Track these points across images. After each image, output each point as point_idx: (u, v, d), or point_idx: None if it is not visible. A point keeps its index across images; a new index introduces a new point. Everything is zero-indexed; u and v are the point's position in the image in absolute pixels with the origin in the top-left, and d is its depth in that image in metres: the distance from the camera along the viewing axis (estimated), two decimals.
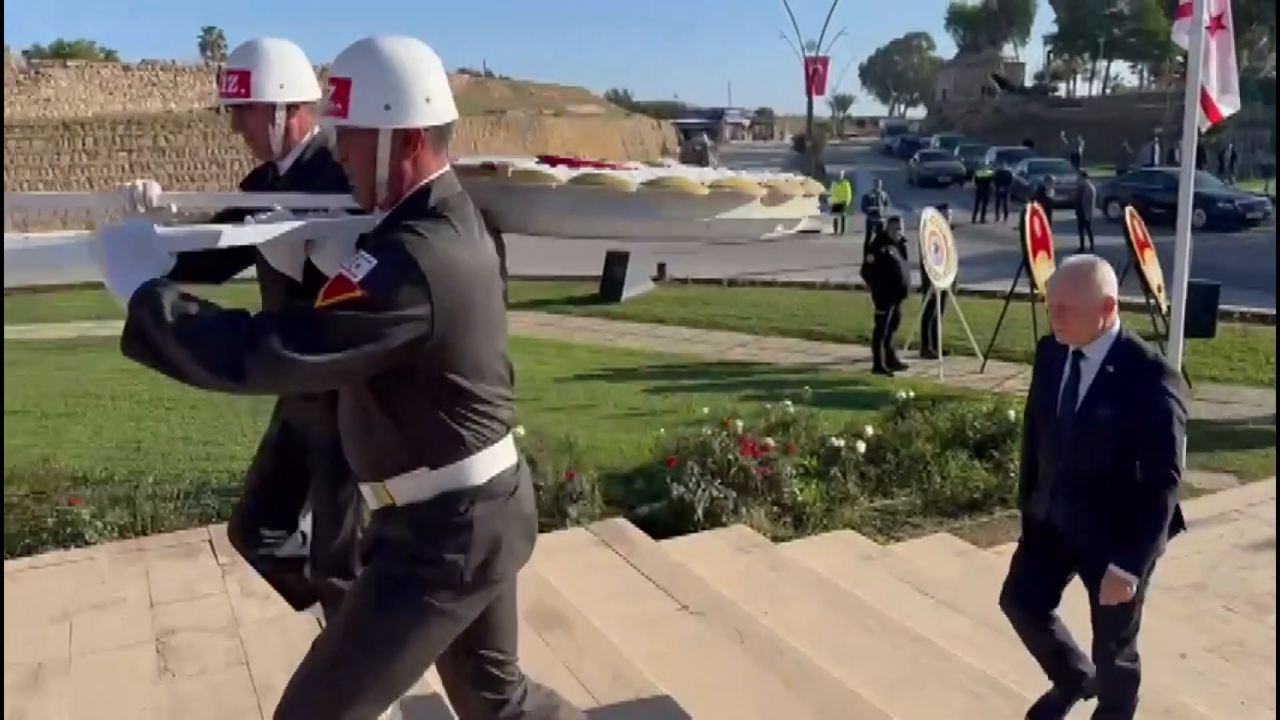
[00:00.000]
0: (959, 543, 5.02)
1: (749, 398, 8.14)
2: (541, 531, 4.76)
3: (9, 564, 3.93)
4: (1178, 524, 2.87)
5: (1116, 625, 2.83)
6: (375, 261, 1.71)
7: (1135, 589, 2.74)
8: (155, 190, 2.42)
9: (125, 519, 4.65)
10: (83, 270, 1.77)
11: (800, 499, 5.36)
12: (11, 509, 4.71)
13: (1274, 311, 11.30)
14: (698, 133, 61.55)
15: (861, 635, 3.55)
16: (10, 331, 13.05)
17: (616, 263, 14.92)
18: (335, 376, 1.77)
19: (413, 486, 1.90)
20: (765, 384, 8.98)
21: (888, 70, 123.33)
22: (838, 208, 24.32)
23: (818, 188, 2.77)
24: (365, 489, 1.98)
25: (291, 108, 2.41)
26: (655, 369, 10.20)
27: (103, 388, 8.90)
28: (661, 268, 16.32)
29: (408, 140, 1.84)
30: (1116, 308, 2.81)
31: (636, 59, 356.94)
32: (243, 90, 2.34)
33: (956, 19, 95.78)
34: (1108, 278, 2.79)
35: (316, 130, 2.49)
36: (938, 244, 10.20)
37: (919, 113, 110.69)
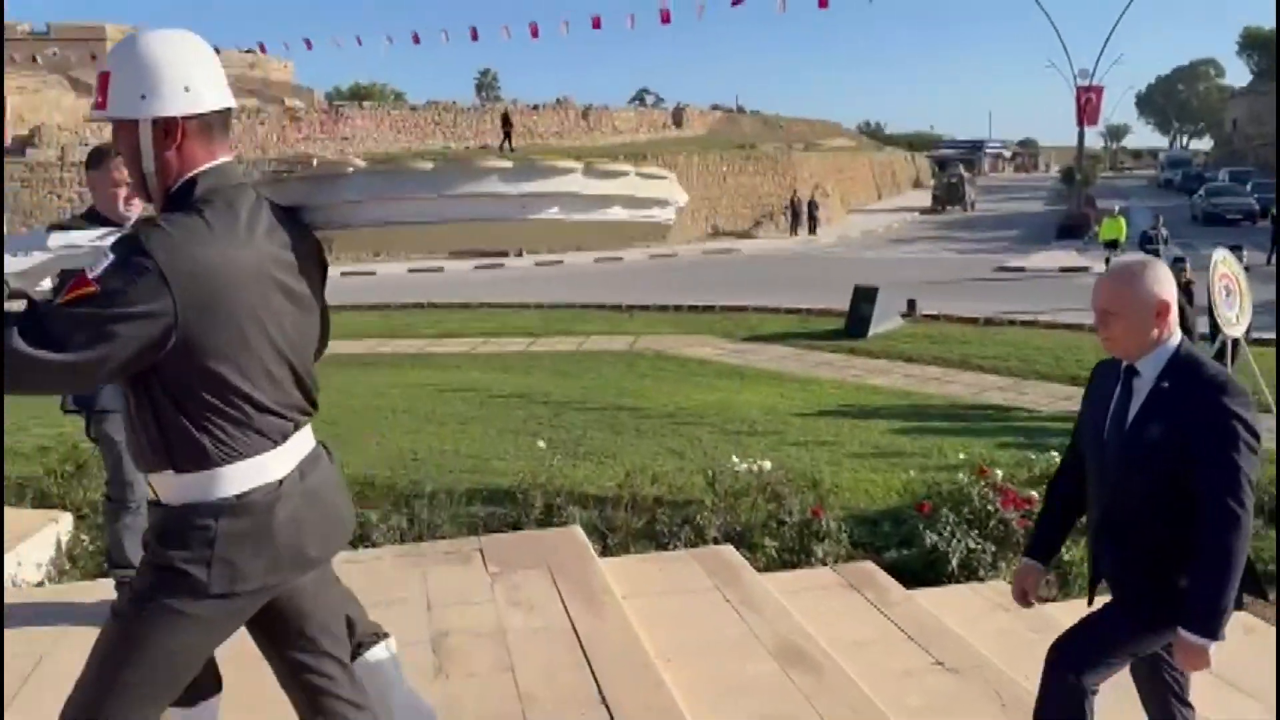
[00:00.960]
0: (1247, 618, 4.51)
1: (1007, 445, 7.73)
2: (786, 568, 4.82)
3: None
4: (1253, 585, 2.41)
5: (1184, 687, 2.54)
6: (112, 258, 1.71)
7: (1214, 655, 2.31)
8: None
9: (404, 524, 5.08)
10: None
11: (1065, 558, 5.02)
12: None
13: None
14: (953, 164, 59.29)
15: (1135, 710, 3.27)
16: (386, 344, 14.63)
17: (864, 298, 14.66)
18: (84, 374, 1.72)
19: (164, 487, 1.89)
20: (1026, 431, 8.49)
21: (1169, 99, 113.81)
22: (1110, 244, 22.67)
23: (666, 175, 2.41)
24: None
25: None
26: (903, 408, 9.90)
27: (385, 401, 9.77)
28: (912, 304, 15.85)
29: (168, 130, 1.84)
30: (1175, 317, 2.44)
31: (889, 91, 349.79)
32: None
33: (1251, 44, 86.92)
34: (1160, 278, 2.42)
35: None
36: (1230, 287, 9.27)
37: (1203, 144, 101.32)
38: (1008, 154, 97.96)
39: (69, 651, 3.44)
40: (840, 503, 5.84)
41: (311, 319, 2.05)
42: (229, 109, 1.94)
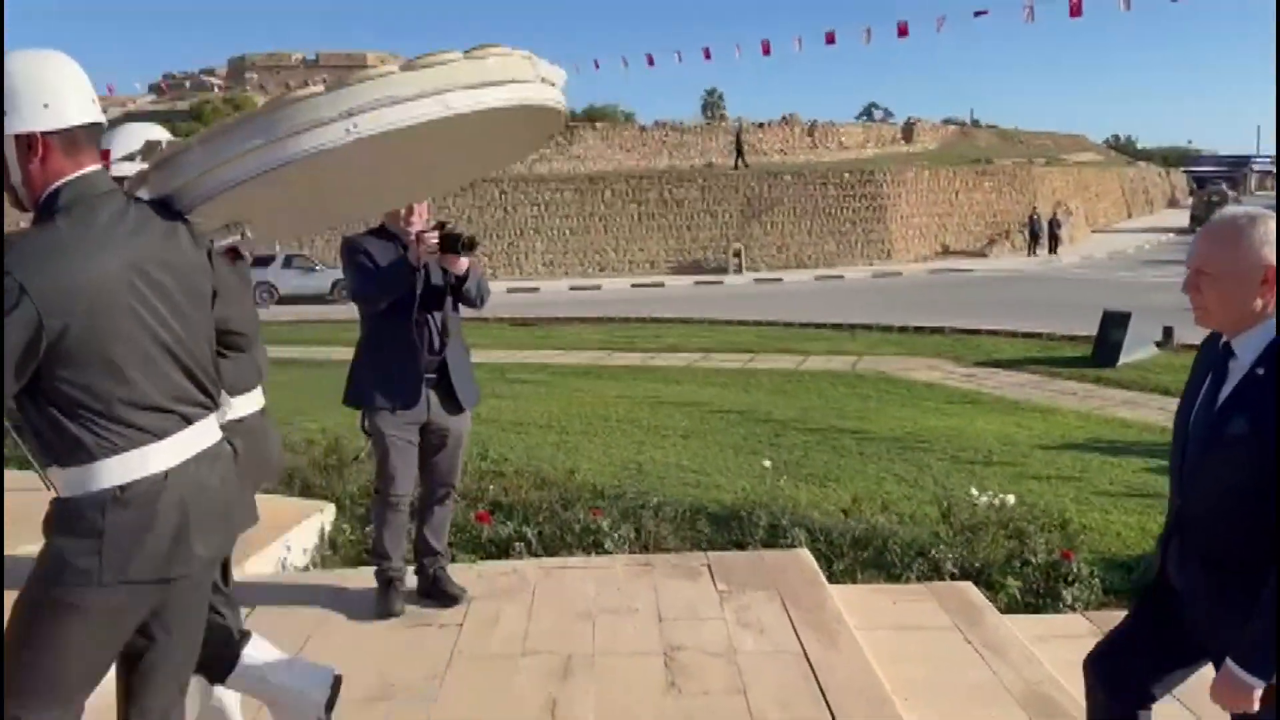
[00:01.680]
0: None
1: None
2: (1031, 610, 4.50)
3: (546, 560, 4.55)
4: None
5: None
6: None
7: (1260, 699, 1.91)
8: None
9: (632, 535, 5.17)
10: None
11: None
12: (541, 511, 5.45)
13: None
14: (1214, 181, 54.28)
15: None
16: (539, 356, 15.28)
17: (1114, 323, 13.61)
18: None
19: (57, 480, 1.92)
20: None
21: None
22: None
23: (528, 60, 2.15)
24: None
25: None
26: (1158, 446, 9.06)
27: (610, 411, 10.01)
28: (1168, 331, 14.56)
29: (30, 145, 1.89)
30: None
31: (1142, 102, 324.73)
32: None
33: None
34: (1271, 238, 1.95)
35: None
36: None
37: None
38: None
39: (332, 634, 3.72)
40: (1089, 545, 5.41)
41: (199, 313, 2.09)
42: (96, 123, 2.01)
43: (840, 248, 35.54)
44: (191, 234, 2.09)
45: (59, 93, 1.93)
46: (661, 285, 30.99)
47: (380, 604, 3.88)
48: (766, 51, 28.66)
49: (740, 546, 5.02)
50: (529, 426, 9.12)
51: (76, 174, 1.95)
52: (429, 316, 3.80)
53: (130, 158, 2.82)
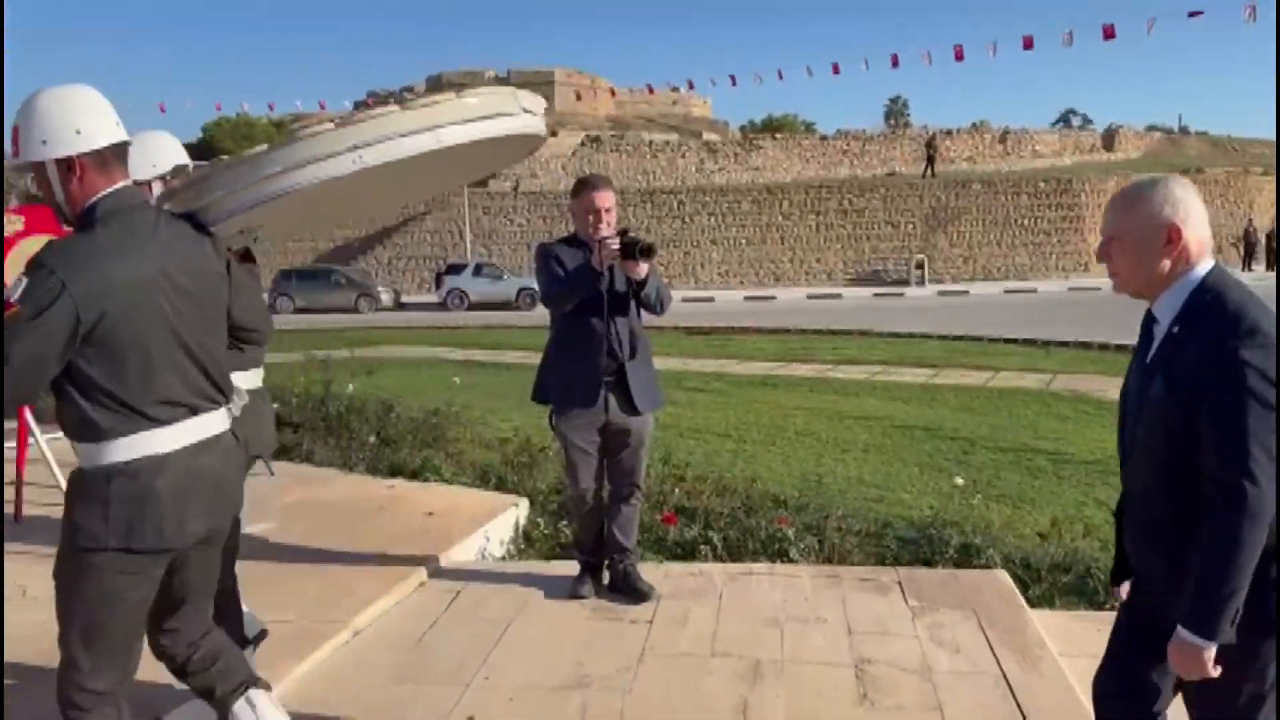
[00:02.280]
0: None
1: None
2: None
3: (732, 565, 4.59)
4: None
5: None
6: (26, 281, 2.08)
7: (1212, 659, 1.86)
8: None
9: (816, 546, 5.13)
10: None
11: None
12: (723, 517, 5.49)
13: None
14: None
15: None
16: (714, 364, 15.36)
17: None
18: (32, 376, 2.09)
19: (77, 453, 2.22)
20: None
21: None
22: None
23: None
24: None
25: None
26: None
27: (789, 423, 9.95)
28: None
29: (69, 167, 2.20)
30: (1203, 248, 1.99)
31: None
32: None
33: None
34: (1174, 198, 1.98)
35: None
36: None
37: None
38: None
39: (530, 621, 3.90)
40: None
41: (215, 314, 2.38)
42: (124, 142, 2.28)
43: (1033, 259, 33.96)
44: (215, 246, 2.41)
45: (88, 120, 2.22)
46: (839, 296, 30.51)
47: (571, 587, 4.16)
48: (959, 57, 27.78)
49: (929, 564, 4.90)
50: (707, 434, 9.19)
51: (110, 189, 2.24)
52: (612, 320, 3.96)
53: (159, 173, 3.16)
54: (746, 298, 30.57)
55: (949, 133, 45.49)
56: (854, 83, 61.84)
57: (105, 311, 2.11)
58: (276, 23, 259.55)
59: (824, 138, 45.72)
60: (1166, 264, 2.00)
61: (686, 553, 4.91)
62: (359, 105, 66.07)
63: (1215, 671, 1.88)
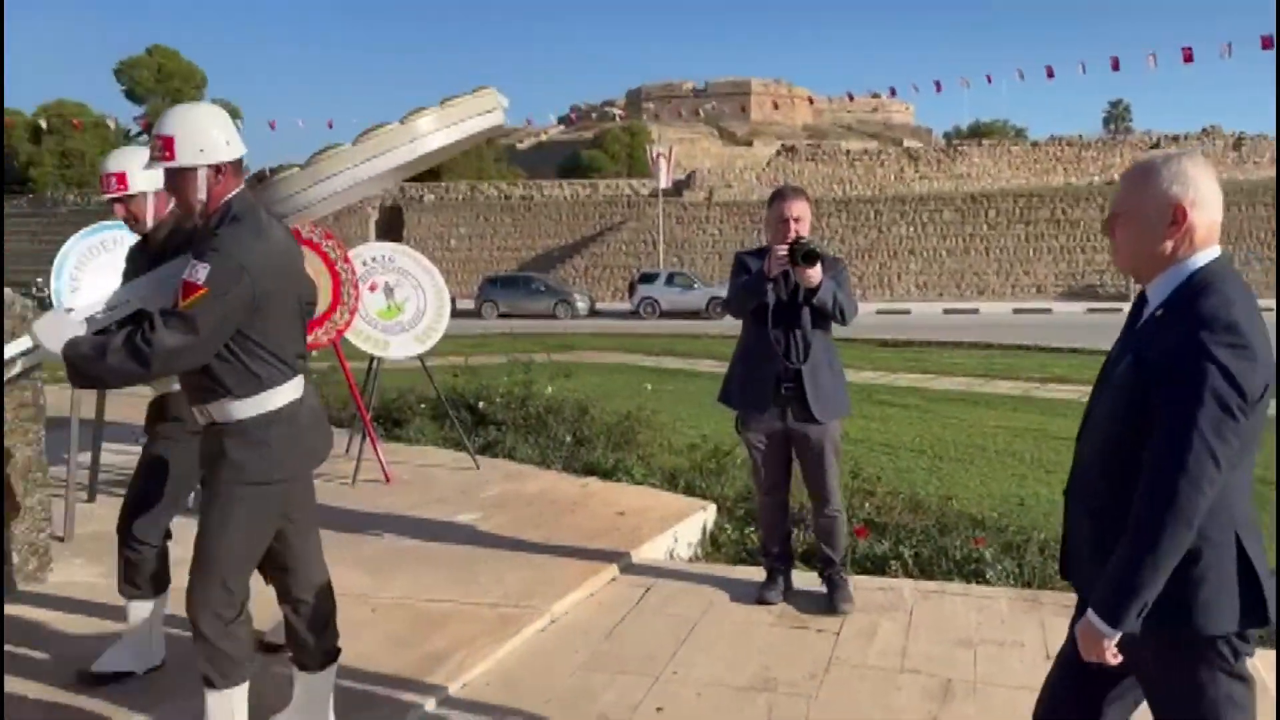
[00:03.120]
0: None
1: None
2: None
3: (924, 583, 4.50)
4: (1256, 609, 1.82)
5: None
6: (208, 266, 2.48)
7: (1113, 648, 1.85)
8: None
9: (1015, 569, 4.93)
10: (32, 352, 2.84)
11: None
12: (915, 534, 5.36)
13: None
14: None
15: None
16: (908, 379, 14.93)
17: None
18: (212, 346, 2.53)
19: (221, 411, 2.63)
20: None
21: None
22: None
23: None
24: (195, 410, 2.70)
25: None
26: None
27: (988, 441, 9.57)
28: None
29: (218, 171, 2.62)
30: (1211, 232, 1.88)
31: None
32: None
33: None
34: (1184, 177, 1.87)
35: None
36: None
37: None
38: None
39: (716, 623, 3.97)
40: None
41: (310, 288, 2.87)
42: (242, 154, 2.71)
43: (1269, 275, 31.05)
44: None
45: (230, 134, 2.67)
46: (1048, 311, 28.97)
47: (758, 591, 4.21)
48: (1188, 59, 25.77)
49: None
50: (899, 450, 8.98)
51: (238, 190, 2.68)
52: (785, 327, 4.01)
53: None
54: (946, 310, 29.52)
55: (1175, 139, 42.25)
56: (1069, 87, 58.54)
57: (267, 286, 2.57)
58: (483, 40, 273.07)
59: (1035, 144, 43.49)
60: (1169, 245, 1.89)
61: (876, 567, 4.84)
62: (562, 120, 68.53)
63: (1114, 659, 1.86)
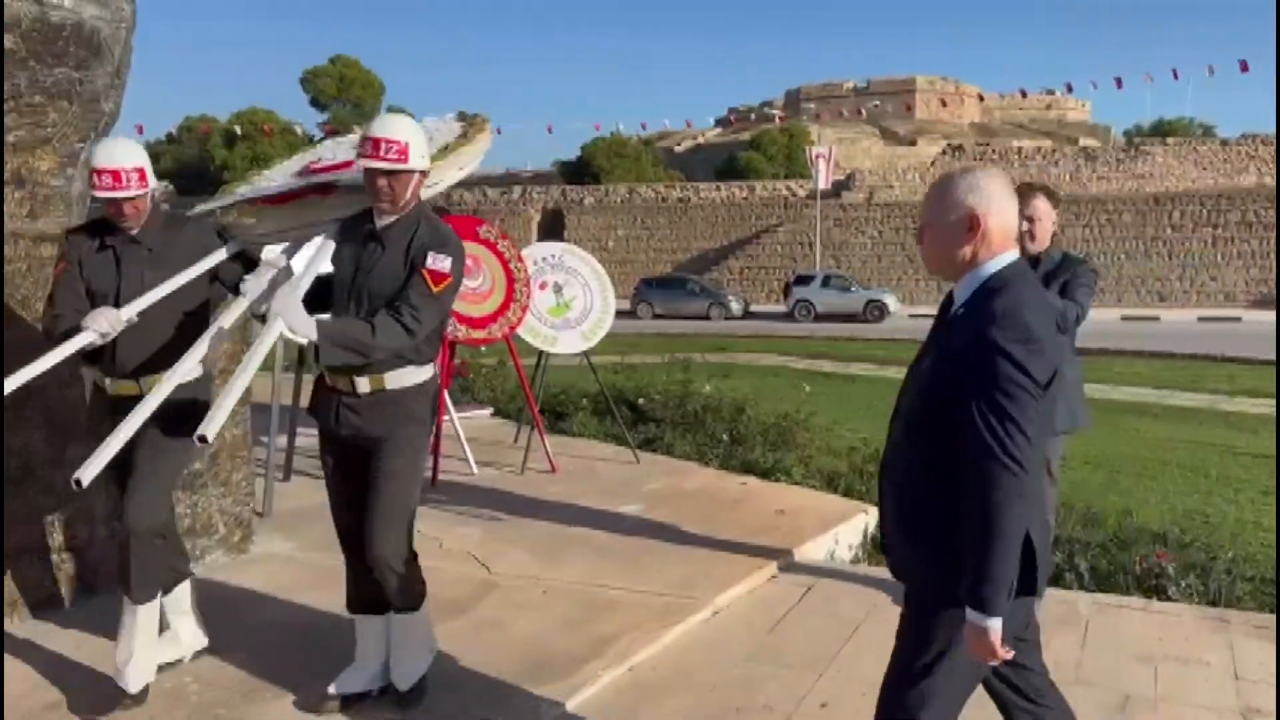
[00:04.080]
0: None
1: None
2: None
3: (1101, 596, 4.34)
4: (1026, 579, 1.97)
5: None
6: (451, 257, 2.93)
7: (998, 636, 1.91)
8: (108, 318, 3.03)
9: (1200, 587, 4.68)
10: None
11: None
12: (1090, 547, 5.15)
13: None
14: None
15: None
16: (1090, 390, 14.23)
17: None
18: (442, 326, 3.12)
19: (399, 379, 3.00)
20: None
21: None
22: None
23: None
24: (364, 379, 2.97)
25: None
26: None
27: (1169, 455, 9.05)
28: None
29: (423, 174, 2.99)
30: (1006, 238, 2.04)
31: None
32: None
33: None
34: (978, 187, 2.03)
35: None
36: None
37: None
38: None
39: (881, 624, 3.95)
40: None
41: None
42: None
43: None
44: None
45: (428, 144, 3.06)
46: (1238, 320, 26.98)
47: None
48: None
49: None
50: (1073, 461, 8.59)
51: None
52: None
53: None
54: (1124, 318, 27.93)
55: None
56: (1262, 82, 54.11)
57: (458, 275, 3.08)
58: (641, 46, 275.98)
59: (1225, 142, 40.47)
60: (967, 251, 2.05)
61: (1049, 579, 4.69)
62: (720, 122, 68.61)
63: (1007, 652, 1.94)
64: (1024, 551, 1.94)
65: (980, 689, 2.23)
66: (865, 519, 5.46)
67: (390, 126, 2.88)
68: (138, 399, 2.97)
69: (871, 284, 33.12)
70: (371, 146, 2.85)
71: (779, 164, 50.35)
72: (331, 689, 3.13)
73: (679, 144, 63.97)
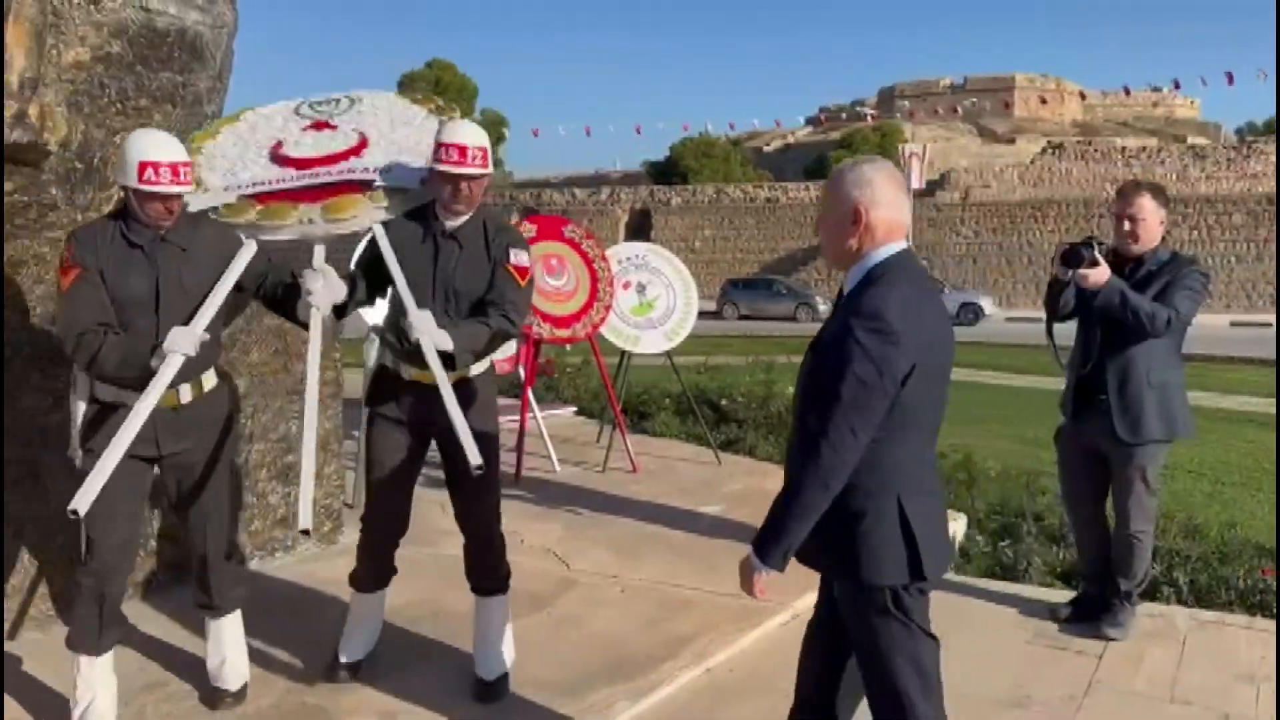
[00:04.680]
0: None
1: None
2: None
3: (1201, 612, 4.15)
4: (914, 566, 2.09)
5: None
6: (526, 251, 3.14)
7: (762, 582, 2.14)
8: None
9: None
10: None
11: None
12: (1191, 560, 4.93)
13: None
14: None
15: None
16: (1192, 396, 13.64)
17: None
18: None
19: (480, 364, 3.20)
20: None
21: None
22: None
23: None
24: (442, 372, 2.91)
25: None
26: None
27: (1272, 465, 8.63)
28: None
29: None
30: (891, 230, 2.10)
31: None
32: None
33: None
34: (863, 180, 2.10)
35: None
36: None
37: None
38: None
39: (967, 633, 3.86)
40: None
41: None
42: None
43: None
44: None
45: None
46: None
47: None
48: None
49: None
50: (1175, 470, 8.26)
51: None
52: (1082, 335, 3.82)
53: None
54: (1233, 323, 26.67)
55: None
56: None
57: None
58: (732, 44, 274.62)
59: None
60: (854, 242, 2.11)
61: (1145, 593, 4.51)
62: (810, 121, 67.89)
63: (761, 594, 2.14)
64: (903, 533, 2.08)
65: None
66: (954, 526, 5.33)
67: (473, 134, 3.01)
68: (175, 409, 2.92)
69: (965, 286, 32.35)
70: (458, 153, 2.95)
71: None
72: (343, 658, 3.33)
73: (768, 144, 63.46)
